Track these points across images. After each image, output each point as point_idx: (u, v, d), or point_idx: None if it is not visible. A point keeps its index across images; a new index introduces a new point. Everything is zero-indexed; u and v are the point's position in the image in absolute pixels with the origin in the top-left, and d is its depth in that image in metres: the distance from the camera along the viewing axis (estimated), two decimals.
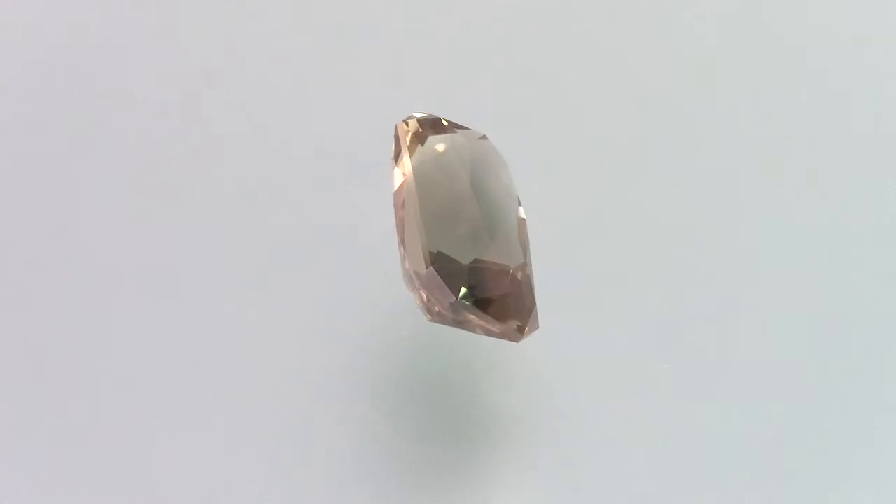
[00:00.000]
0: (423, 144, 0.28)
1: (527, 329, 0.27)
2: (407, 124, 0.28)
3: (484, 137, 0.28)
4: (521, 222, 0.27)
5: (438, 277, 0.27)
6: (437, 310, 0.27)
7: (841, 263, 0.30)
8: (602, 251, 0.31)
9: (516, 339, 0.27)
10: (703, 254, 0.31)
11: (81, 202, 0.31)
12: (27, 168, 0.32)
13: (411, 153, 0.27)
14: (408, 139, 0.28)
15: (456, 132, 0.28)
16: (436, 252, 0.27)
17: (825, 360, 0.29)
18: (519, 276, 0.27)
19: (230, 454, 0.28)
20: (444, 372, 0.29)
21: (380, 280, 0.30)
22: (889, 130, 0.32)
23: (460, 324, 0.27)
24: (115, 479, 0.28)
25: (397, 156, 0.28)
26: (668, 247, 0.31)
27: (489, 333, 0.27)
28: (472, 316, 0.27)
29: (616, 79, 0.33)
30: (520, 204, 0.28)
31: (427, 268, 0.27)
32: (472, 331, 0.27)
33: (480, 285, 0.27)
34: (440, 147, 0.27)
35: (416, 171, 0.27)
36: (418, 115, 0.28)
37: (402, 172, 0.28)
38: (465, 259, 0.27)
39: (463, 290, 0.27)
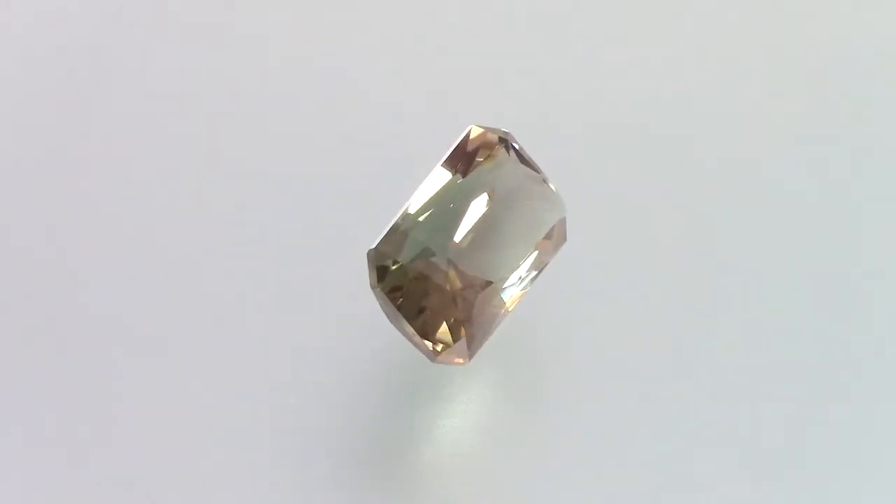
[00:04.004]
0: (472, 155, 0.27)
1: (452, 357, 0.27)
2: (470, 131, 0.27)
3: (543, 181, 0.27)
4: (513, 268, 0.27)
5: (373, 257, 0.26)
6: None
7: (846, 264, 0.30)
8: (609, 248, 0.31)
9: (431, 359, 0.27)
10: (707, 254, 0.31)
11: (80, 201, 0.32)
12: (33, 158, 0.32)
13: (455, 158, 0.27)
14: (458, 141, 0.27)
15: (511, 157, 0.27)
16: (397, 230, 0.26)
17: (827, 359, 0.29)
18: (464, 301, 0.26)
19: (214, 454, 0.28)
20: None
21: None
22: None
23: (392, 320, 0.27)
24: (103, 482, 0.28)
25: (445, 155, 0.27)
26: (672, 247, 0.31)
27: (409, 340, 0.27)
28: (389, 312, 0.27)
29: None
30: (537, 266, 0.27)
31: (371, 247, 0.26)
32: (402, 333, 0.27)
33: (412, 291, 0.26)
34: (481, 163, 0.27)
35: (441, 171, 0.27)
36: (491, 129, 0.27)
37: (435, 169, 0.27)
38: (409, 257, 0.26)
39: (375, 278, 0.26)
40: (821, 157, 0.32)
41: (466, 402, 0.29)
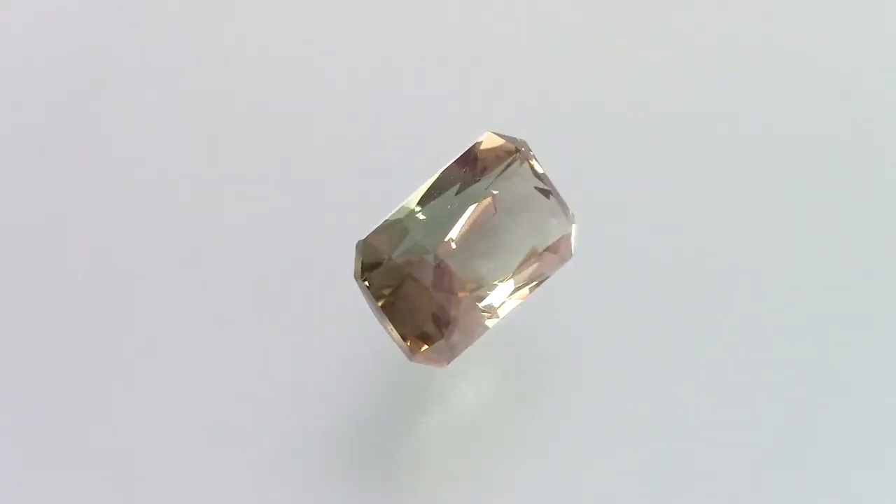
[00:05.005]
0: (484, 161, 0.27)
1: (430, 358, 0.26)
2: (485, 138, 0.27)
3: (553, 195, 0.27)
4: (495, 278, 0.26)
5: (361, 249, 0.26)
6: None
7: (846, 265, 0.30)
8: (612, 244, 0.31)
9: (409, 357, 0.26)
10: (707, 255, 0.31)
11: (80, 201, 0.32)
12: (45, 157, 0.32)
13: (466, 162, 0.27)
14: (471, 145, 0.27)
15: (523, 168, 0.27)
16: (393, 224, 0.26)
17: (827, 359, 0.29)
18: (449, 303, 0.26)
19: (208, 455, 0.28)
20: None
21: None
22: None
23: (375, 314, 0.27)
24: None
25: (456, 156, 0.27)
26: (672, 247, 0.31)
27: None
28: (372, 305, 0.26)
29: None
30: (535, 277, 0.27)
31: (361, 239, 0.26)
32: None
33: (398, 287, 0.26)
34: (492, 170, 0.26)
35: (449, 172, 0.27)
36: (508, 137, 0.27)
37: (443, 169, 0.27)
38: (400, 252, 0.26)
39: (359, 269, 0.26)
40: (821, 161, 0.32)
41: (467, 404, 0.29)
